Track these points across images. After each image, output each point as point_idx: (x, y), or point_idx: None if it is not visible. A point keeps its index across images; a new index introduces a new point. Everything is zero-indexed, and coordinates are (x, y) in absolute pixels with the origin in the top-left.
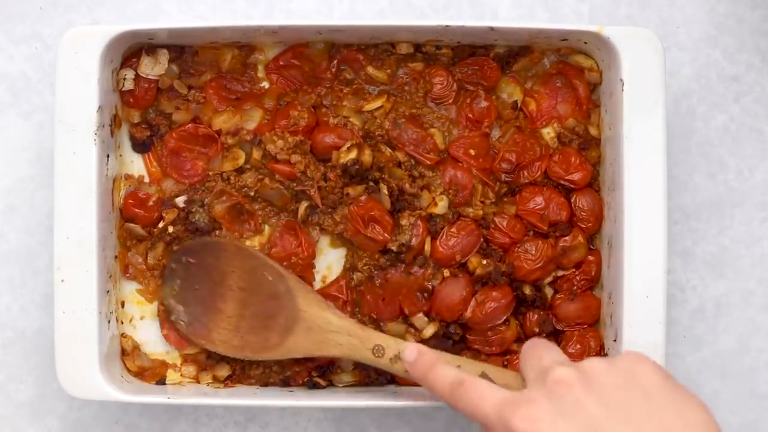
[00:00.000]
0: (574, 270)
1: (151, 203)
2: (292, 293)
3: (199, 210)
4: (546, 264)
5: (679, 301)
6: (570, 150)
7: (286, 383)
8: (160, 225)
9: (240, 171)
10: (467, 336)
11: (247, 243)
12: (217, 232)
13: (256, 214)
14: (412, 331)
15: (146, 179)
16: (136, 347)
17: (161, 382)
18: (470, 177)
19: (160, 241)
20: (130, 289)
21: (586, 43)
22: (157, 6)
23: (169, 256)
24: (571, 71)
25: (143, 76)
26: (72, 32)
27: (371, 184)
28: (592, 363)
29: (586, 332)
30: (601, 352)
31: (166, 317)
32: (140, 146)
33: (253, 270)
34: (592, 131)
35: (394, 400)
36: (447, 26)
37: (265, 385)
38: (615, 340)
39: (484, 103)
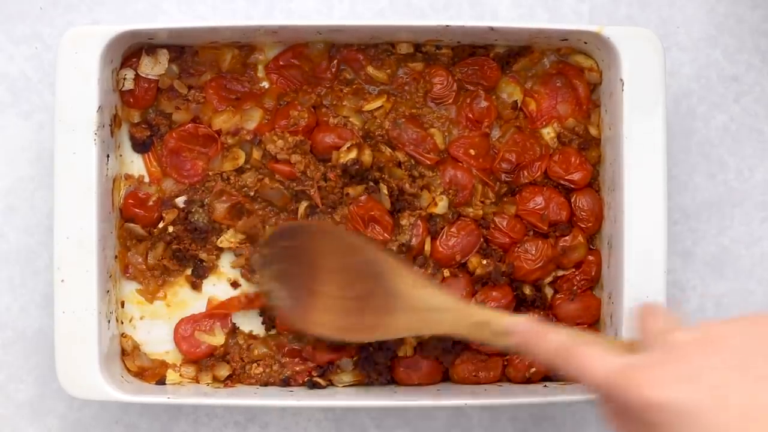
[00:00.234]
0: (574, 270)
1: (151, 203)
2: (389, 274)
3: (199, 210)
4: (546, 264)
5: (679, 301)
6: (570, 150)
7: (286, 383)
8: (160, 225)
9: (240, 171)
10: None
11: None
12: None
13: (256, 214)
14: None
15: (146, 179)
16: (136, 347)
17: (161, 382)
18: (470, 177)
19: (160, 241)
20: (130, 289)
21: (586, 43)
22: (157, 6)
23: (263, 243)
24: (571, 71)
25: (143, 76)
26: (72, 32)
27: (371, 184)
28: (711, 326)
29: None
30: None
31: (267, 302)
32: (140, 146)
33: (347, 251)
34: (592, 131)
35: (394, 400)
36: (447, 26)
37: (265, 385)
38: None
39: (484, 103)
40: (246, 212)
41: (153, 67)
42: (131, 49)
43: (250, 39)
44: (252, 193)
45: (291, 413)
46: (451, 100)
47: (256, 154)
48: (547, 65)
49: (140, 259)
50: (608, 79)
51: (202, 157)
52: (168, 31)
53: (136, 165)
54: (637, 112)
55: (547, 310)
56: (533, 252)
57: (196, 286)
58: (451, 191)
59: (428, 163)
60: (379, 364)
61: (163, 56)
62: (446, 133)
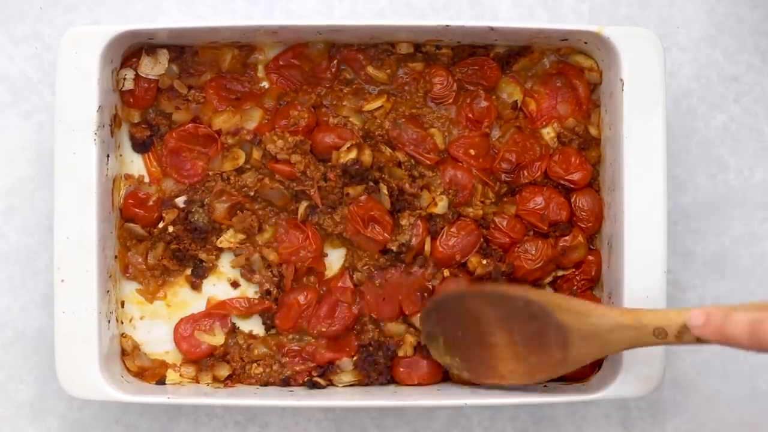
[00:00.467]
0: (574, 270)
1: (151, 203)
2: (548, 311)
3: (199, 210)
4: (546, 264)
5: (679, 301)
6: (570, 150)
7: (286, 383)
8: (160, 225)
9: (240, 171)
10: None
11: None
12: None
13: (256, 214)
14: (413, 330)
15: (146, 179)
16: (136, 347)
17: (161, 382)
18: (470, 177)
19: (160, 241)
20: (130, 289)
21: (586, 43)
22: (157, 6)
23: (421, 321)
24: (571, 71)
25: (143, 76)
26: (72, 32)
27: (371, 184)
28: None
29: None
30: None
31: (450, 372)
32: (140, 146)
33: (503, 301)
34: (592, 131)
35: (394, 400)
36: (447, 26)
37: (265, 385)
38: None
39: (484, 103)
40: (241, 210)
41: (153, 67)
42: (131, 49)
43: (250, 39)
44: (252, 193)
45: (291, 413)
46: (451, 100)
47: (256, 154)
48: (547, 65)
49: (140, 259)
50: (608, 79)
51: (202, 157)
52: (168, 31)
53: (136, 165)
54: (637, 112)
55: None
56: (533, 252)
57: (196, 286)
58: (451, 191)
59: (428, 163)
60: (378, 364)
61: (163, 56)
62: (446, 133)
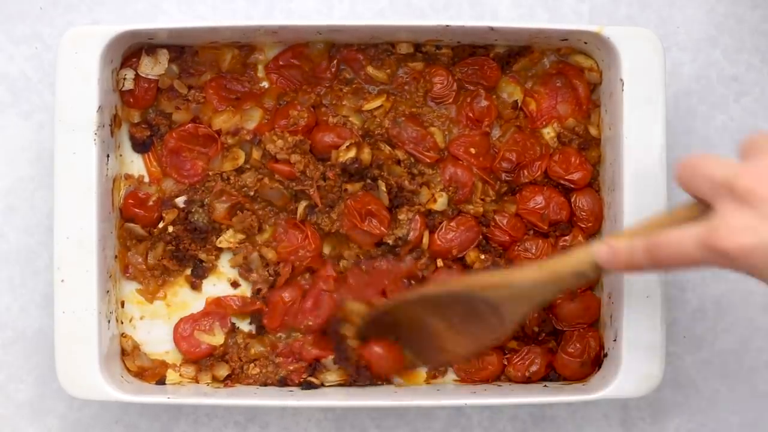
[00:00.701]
0: None
1: (151, 203)
2: (471, 295)
3: (199, 210)
4: None
5: (679, 301)
6: (570, 150)
7: (283, 383)
8: (160, 225)
9: (240, 171)
10: None
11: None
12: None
13: (256, 214)
14: None
15: (146, 179)
16: (136, 347)
17: (161, 382)
18: (470, 175)
19: (160, 241)
20: (130, 289)
21: (586, 43)
22: (157, 6)
23: (359, 336)
24: (571, 71)
25: (143, 76)
26: (72, 32)
27: (369, 181)
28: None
29: (586, 332)
30: (600, 352)
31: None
32: (140, 146)
33: (428, 300)
34: (592, 131)
35: (394, 400)
36: (447, 26)
37: (264, 385)
38: (615, 340)
39: (484, 103)
40: (241, 210)
41: (153, 67)
42: (131, 49)
43: (250, 39)
44: (252, 193)
45: (291, 413)
46: (451, 100)
47: (256, 153)
48: (547, 65)
49: (140, 259)
50: (608, 79)
51: (202, 157)
52: (168, 31)
53: (136, 165)
54: (637, 112)
55: (547, 310)
56: (533, 251)
57: (195, 286)
58: (450, 188)
59: (428, 161)
60: (351, 358)
61: (163, 56)
62: (446, 132)
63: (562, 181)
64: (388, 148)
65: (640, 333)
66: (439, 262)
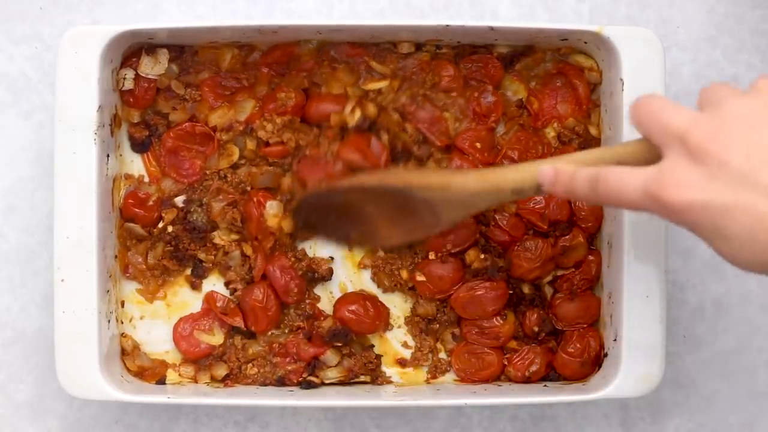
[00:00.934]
0: (573, 269)
1: (150, 203)
2: (408, 193)
3: (198, 210)
4: (545, 263)
5: (679, 301)
6: (570, 150)
7: (281, 382)
8: (160, 225)
9: (235, 167)
10: (462, 326)
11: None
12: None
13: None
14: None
15: (146, 179)
16: (136, 347)
17: (161, 381)
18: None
19: (159, 241)
20: (130, 289)
21: (586, 43)
22: (157, 6)
23: (293, 216)
24: (571, 71)
25: (143, 75)
26: (72, 32)
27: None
28: (731, 105)
29: (586, 332)
30: (601, 351)
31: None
32: (139, 146)
33: (365, 190)
34: (592, 131)
35: (394, 400)
36: (447, 26)
37: (263, 384)
38: (615, 340)
39: (491, 98)
40: (236, 207)
41: (153, 67)
42: (131, 49)
43: (250, 39)
44: (248, 188)
45: (291, 413)
46: (457, 94)
47: (250, 144)
48: (549, 66)
49: (140, 259)
50: (608, 79)
51: (200, 156)
52: (168, 31)
53: (136, 165)
54: None
55: (547, 310)
56: (533, 250)
57: (195, 286)
58: None
59: (438, 144)
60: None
61: (163, 56)
62: (457, 122)
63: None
64: (398, 115)
65: (640, 333)
66: (431, 255)
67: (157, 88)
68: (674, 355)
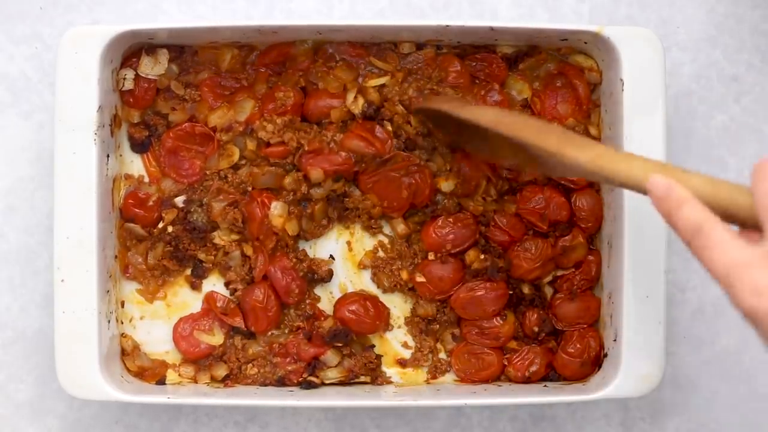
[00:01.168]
0: (573, 270)
1: (150, 203)
2: (525, 144)
3: (198, 210)
4: (545, 263)
5: (679, 301)
6: None
7: (281, 383)
8: (160, 225)
9: (236, 168)
10: (462, 327)
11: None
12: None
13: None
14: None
15: (146, 179)
16: (136, 347)
17: (161, 382)
18: (477, 170)
19: (159, 241)
20: (130, 289)
21: (586, 43)
22: (157, 6)
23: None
24: (571, 71)
25: (143, 76)
26: (72, 32)
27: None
28: None
29: (586, 332)
30: (600, 352)
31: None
32: (139, 146)
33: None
34: (592, 131)
35: (394, 400)
36: (447, 26)
37: (263, 384)
38: (615, 340)
39: (498, 97)
40: (237, 207)
41: (153, 67)
42: (131, 49)
43: (250, 39)
44: (250, 188)
45: (291, 413)
46: (464, 90)
47: (250, 144)
48: (551, 66)
49: (140, 259)
50: (608, 79)
51: (200, 156)
52: (168, 31)
53: (135, 165)
54: (637, 112)
55: (547, 310)
56: (533, 251)
57: (195, 287)
58: (457, 180)
59: (442, 138)
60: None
61: (163, 56)
62: None
63: (562, 182)
64: (402, 107)
65: (640, 333)
66: (431, 255)
67: (157, 89)
68: (674, 356)
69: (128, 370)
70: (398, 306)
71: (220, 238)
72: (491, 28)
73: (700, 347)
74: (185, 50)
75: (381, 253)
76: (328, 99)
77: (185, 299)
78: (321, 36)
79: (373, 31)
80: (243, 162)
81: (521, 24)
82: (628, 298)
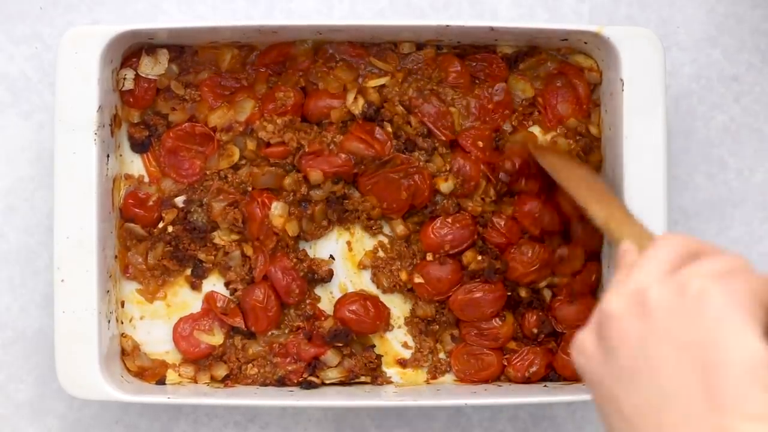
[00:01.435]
0: (572, 277)
1: (150, 203)
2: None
3: (198, 210)
4: (541, 268)
5: None
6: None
7: (281, 383)
8: (160, 225)
9: (236, 168)
10: (461, 328)
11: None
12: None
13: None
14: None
15: (146, 179)
16: (136, 347)
17: (161, 382)
18: (477, 170)
19: (159, 241)
20: (130, 289)
21: (586, 43)
22: (157, 6)
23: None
24: (571, 71)
25: (143, 76)
26: (72, 32)
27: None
28: (656, 296)
29: None
30: None
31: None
32: (139, 146)
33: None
34: (592, 131)
35: (394, 400)
36: (447, 26)
37: (263, 384)
38: None
39: (503, 95)
40: (237, 207)
41: (153, 67)
42: (131, 49)
43: (250, 39)
44: (250, 188)
45: (291, 413)
46: (464, 90)
47: (250, 144)
48: (551, 66)
49: (140, 259)
50: (608, 79)
51: (200, 156)
52: (168, 31)
53: (136, 165)
54: (637, 112)
55: (546, 312)
56: (529, 255)
57: (195, 287)
58: (457, 180)
59: (443, 138)
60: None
61: (163, 56)
62: (462, 119)
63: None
64: (402, 108)
65: None
66: (429, 256)
67: (157, 89)
68: None
69: (128, 370)
70: (398, 306)
71: (220, 238)
72: (491, 28)
73: None
74: (185, 50)
75: (381, 254)
76: (328, 99)
77: (185, 299)
78: (321, 36)
79: (373, 31)
80: (243, 162)
81: (521, 24)
82: None
